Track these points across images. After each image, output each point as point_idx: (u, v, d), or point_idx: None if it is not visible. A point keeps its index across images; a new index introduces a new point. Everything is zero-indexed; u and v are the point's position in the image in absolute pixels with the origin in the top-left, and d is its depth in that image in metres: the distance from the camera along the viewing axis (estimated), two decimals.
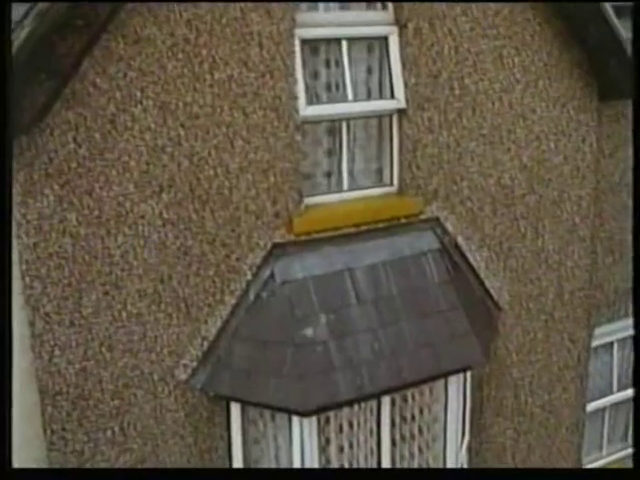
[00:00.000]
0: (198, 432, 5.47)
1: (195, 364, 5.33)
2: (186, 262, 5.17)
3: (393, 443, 5.72)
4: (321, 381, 5.14)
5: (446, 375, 5.59)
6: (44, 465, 5.05)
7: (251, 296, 5.38)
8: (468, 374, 6.00)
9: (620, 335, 7.56)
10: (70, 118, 4.69)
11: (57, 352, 4.92)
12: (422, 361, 5.41)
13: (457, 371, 5.60)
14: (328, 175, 5.78)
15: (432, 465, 5.93)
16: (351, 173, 5.80)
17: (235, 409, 5.46)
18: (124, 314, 5.07)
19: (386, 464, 5.69)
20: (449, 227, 5.98)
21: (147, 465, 5.37)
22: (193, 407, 5.41)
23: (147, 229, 5.02)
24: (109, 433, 5.21)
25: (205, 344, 5.33)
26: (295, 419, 5.31)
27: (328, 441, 5.50)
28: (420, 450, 5.88)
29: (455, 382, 5.71)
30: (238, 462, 5.59)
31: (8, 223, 3.86)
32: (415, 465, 5.87)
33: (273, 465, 5.62)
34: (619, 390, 7.71)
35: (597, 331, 7.26)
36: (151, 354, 5.21)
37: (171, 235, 5.10)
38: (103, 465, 5.21)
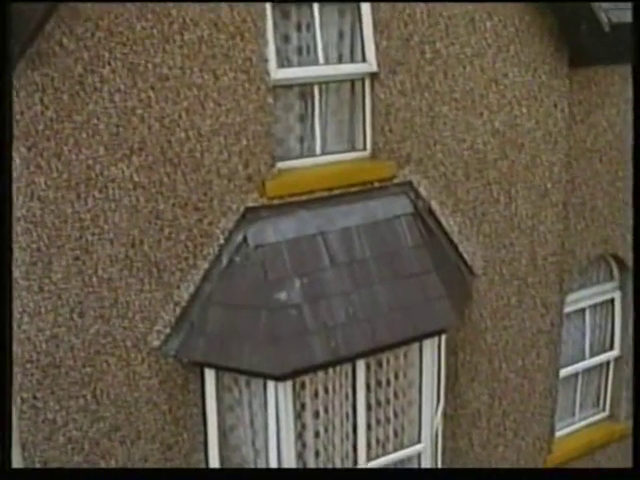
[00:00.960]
0: (172, 399, 5.42)
1: (168, 330, 5.27)
2: (158, 226, 5.10)
3: (369, 407, 5.71)
4: (296, 344, 5.11)
5: (421, 338, 5.58)
6: (14, 434, 4.98)
7: (224, 261, 5.33)
8: (443, 338, 6.01)
9: (592, 301, 7.63)
10: (36, 79, 4.59)
11: (26, 319, 4.84)
12: (396, 324, 5.41)
13: (431, 334, 5.60)
14: (301, 140, 5.73)
15: (407, 429, 5.94)
16: (324, 138, 5.75)
17: (209, 375, 5.42)
18: (95, 279, 5.00)
19: (362, 429, 5.68)
20: (422, 191, 5.97)
21: (120, 433, 5.32)
22: (167, 374, 5.36)
23: (118, 193, 4.94)
24: (81, 401, 5.15)
25: (178, 310, 5.27)
26: (270, 384, 5.28)
27: (304, 406, 5.48)
28: (395, 415, 5.88)
29: (430, 346, 5.71)
30: (213, 429, 5.56)
31: (8, 219, 3.88)
32: (390, 430, 5.87)
33: (248, 432, 5.60)
34: (591, 356, 7.78)
35: (569, 297, 7.31)
36: (123, 320, 5.14)
37: (142, 199, 5.03)
38: (75, 433, 5.15)
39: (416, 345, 5.69)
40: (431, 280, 5.63)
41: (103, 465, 5.32)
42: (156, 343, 5.26)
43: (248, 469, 5.68)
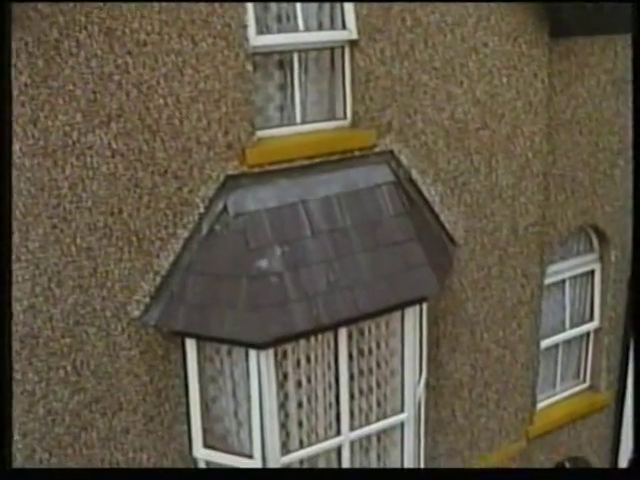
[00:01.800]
0: (153, 370, 5.38)
1: (148, 300, 5.22)
2: (137, 194, 5.04)
3: (351, 377, 5.69)
4: (277, 312, 5.08)
5: (402, 306, 5.56)
6: None
7: (204, 229, 5.28)
8: (424, 307, 6.00)
9: (572, 273, 7.65)
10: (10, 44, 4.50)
11: None
12: (378, 292, 5.38)
13: (413, 302, 5.58)
14: (281, 109, 5.68)
15: (390, 399, 5.92)
16: (304, 106, 5.71)
17: (190, 346, 5.38)
18: (73, 248, 4.93)
19: (344, 398, 5.67)
20: (403, 160, 5.94)
21: (101, 404, 5.27)
22: (147, 344, 5.31)
23: (96, 160, 4.88)
24: (61, 372, 5.09)
25: (158, 279, 5.22)
26: (252, 353, 5.25)
27: (286, 376, 5.45)
28: (378, 384, 5.87)
29: (411, 315, 5.69)
30: (195, 400, 5.52)
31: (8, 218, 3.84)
32: (373, 400, 5.86)
33: (230, 403, 5.57)
34: (571, 327, 7.81)
35: (550, 269, 7.32)
36: (102, 290, 5.09)
37: (121, 167, 4.96)
38: (55, 405, 5.10)
39: (398, 313, 5.67)
40: (413, 248, 5.61)
41: (84, 437, 5.28)
42: (136, 313, 5.21)
43: (247, 469, 5.66)
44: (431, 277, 5.58)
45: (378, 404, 5.91)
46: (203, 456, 5.69)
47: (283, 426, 5.55)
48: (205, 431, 5.64)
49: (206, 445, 5.66)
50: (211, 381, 5.56)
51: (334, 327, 5.35)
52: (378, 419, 5.91)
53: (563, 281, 7.61)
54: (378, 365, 5.83)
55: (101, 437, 5.36)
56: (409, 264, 5.55)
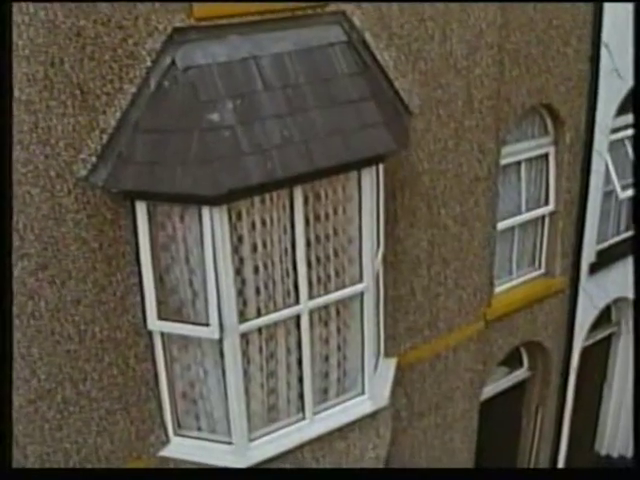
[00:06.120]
0: (103, 236, 5.17)
1: (95, 159, 4.98)
2: (79, 44, 4.75)
3: (308, 243, 5.54)
4: (230, 165, 4.88)
5: (359, 165, 5.42)
6: None
7: (152, 84, 5.03)
8: (381, 172, 5.88)
9: (527, 155, 7.60)
10: None
11: None
12: (333, 148, 5.20)
13: (370, 160, 5.43)
14: None
15: (348, 269, 5.80)
16: None
17: (141, 210, 5.17)
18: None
19: (302, 265, 5.53)
20: (356, 22, 5.72)
21: (48, 272, 5.05)
22: (95, 207, 5.08)
23: (32, 5, 4.56)
24: None
25: (104, 137, 4.97)
26: (205, 213, 5.06)
27: (241, 239, 5.28)
28: (335, 253, 5.73)
29: (368, 177, 5.55)
30: (147, 269, 5.33)
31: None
32: (331, 268, 5.73)
33: (185, 272, 5.38)
34: (527, 211, 7.80)
35: (505, 150, 7.25)
36: (45, 147, 4.82)
37: (60, 13, 4.66)
38: None
39: (354, 176, 5.53)
40: (368, 107, 5.44)
41: (31, 306, 5.06)
42: (82, 173, 4.97)
43: (246, 469, 5.59)
44: (387, 136, 5.43)
45: (336, 273, 5.79)
46: (158, 328, 5.52)
47: (240, 293, 5.40)
48: (160, 303, 5.46)
49: (161, 317, 5.50)
50: (163, 249, 5.36)
51: (289, 183, 5.17)
52: (337, 288, 5.80)
53: (518, 163, 7.56)
54: (335, 232, 5.69)
55: (50, 308, 5.15)
56: (364, 122, 5.38)
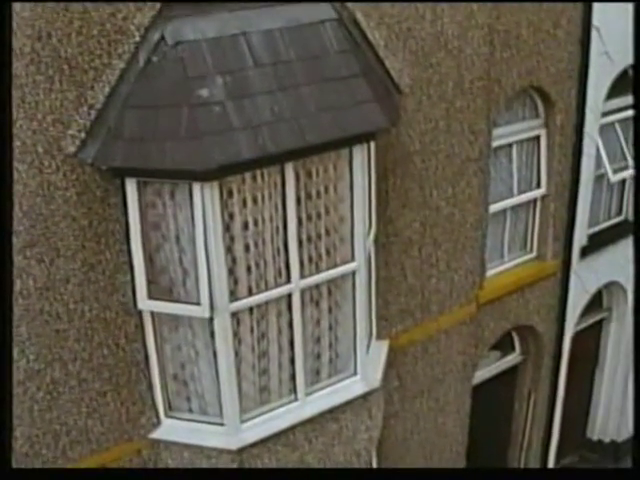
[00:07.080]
0: (92, 213, 5.12)
1: (83, 135, 4.93)
2: (67, 18, 4.70)
3: (299, 222, 5.51)
4: (220, 141, 4.84)
5: (350, 142, 5.38)
6: None
7: (141, 60, 4.98)
8: (372, 151, 5.84)
9: (518, 137, 7.58)
10: None
11: None
12: (325, 124, 5.17)
13: (360, 137, 5.39)
14: None
15: (340, 248, 5.77)
16: None
17: (131, 187, 5.12)
18: None
19: (293, 244, 5.49)
20: None
21: (36, 249, 4.99)
22: (85, 185, 5.04)
23: None
24: None
25: (93, 113, 4.93)
26: (196, 190, 5.02)
27: (232, 217, 5.24)
28: (327, 231, 5.70)
29: (359, 155, 5.51)
30: (137, 248, 5.28)
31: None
32: (322, 247, 5.70)
33: (175, 250, 5.34)
34: (519, 194, 7.78)
35: (497, 132, 7.24)
36: (32, 122, 4.77)
37: None
38: None
39: (346, 152, 5.49)
40: (359, 84, 5.41)
41: (19, 285, 5.00)
42: (71, 149, 4.92)
43: (246, 469, 5.51)
44: (378, 113, 5.40)
45: (328, 252, 5.76)
46: (148, 307, 5.48)
47: (231, 272, 5.36)
48: (150, 282, 5.41)
49: (151, 297, 5.45)
50: (153, 228, 5.32)
51: (280, 159, 5.13)
52: (329, 268, 5.77)
53: (510, 145, 7.54)
54: (327, 211, 5.66)
55: (38, 286, 5.09)
56: (355, 99, 5.35)
